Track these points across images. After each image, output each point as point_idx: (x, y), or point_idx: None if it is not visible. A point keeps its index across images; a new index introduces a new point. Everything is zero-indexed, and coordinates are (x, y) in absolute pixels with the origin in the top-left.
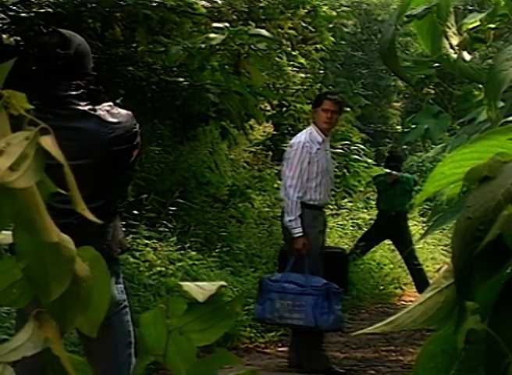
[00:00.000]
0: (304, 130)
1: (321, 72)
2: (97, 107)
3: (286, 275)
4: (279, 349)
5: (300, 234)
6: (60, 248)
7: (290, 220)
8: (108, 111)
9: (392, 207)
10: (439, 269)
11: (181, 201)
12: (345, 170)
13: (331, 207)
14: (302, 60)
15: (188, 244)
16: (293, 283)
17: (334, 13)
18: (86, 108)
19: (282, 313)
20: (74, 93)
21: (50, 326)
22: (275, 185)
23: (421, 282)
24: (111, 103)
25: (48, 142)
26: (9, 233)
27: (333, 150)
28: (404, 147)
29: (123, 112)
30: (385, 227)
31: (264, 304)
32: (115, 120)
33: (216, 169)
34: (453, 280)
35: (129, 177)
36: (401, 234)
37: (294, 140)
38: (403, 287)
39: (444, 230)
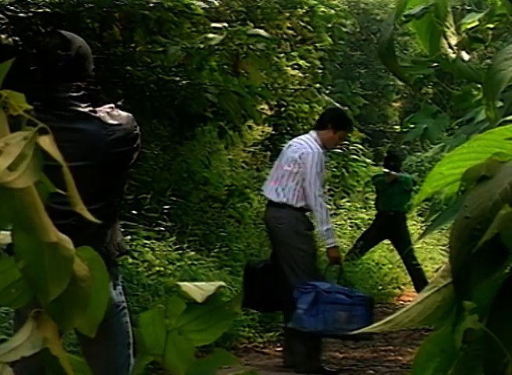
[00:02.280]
0: (310, 139)
1: (320, 72)
2: (97, 109)
3: (333, 286)
4: (278, 349)
5: (336, 244)
6: (59, 247)
7: (327, 229)
8: (108, 113)
9: (390, 207)
10: (437, 269)
11: (179, 200)
12: (343, 170)
13: (329, 207)
14: (301, 62)
15: (187, 244)
16: (343, 293)
17: (332, 12)
18: (86, 109)
19: (341, 324)
20: (75, 94)
21: (49, 327)
22: None
23: (419, 282)
24: (112, 105)
25: (47, 142)
26: (8, 233)
27: (332, 149)
28: (403, 147)
29: (124, 114)
30: (383, 227)
31: (319, 315)
32: (115, 122)
33: (214, 169)
34: (451, 279)
35: (126, 178)
36: (400, 234)
37: (307, 148)
38: (402, 287)
39: (443, 229)
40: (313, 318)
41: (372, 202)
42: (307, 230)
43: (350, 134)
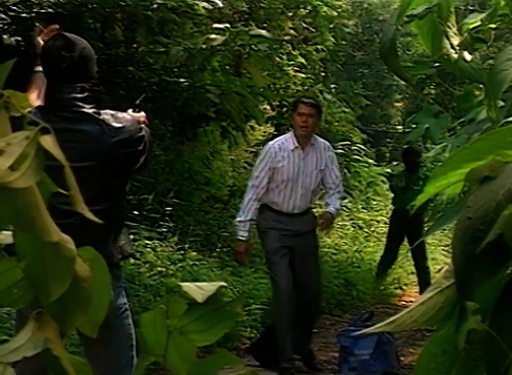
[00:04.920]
0: (286, 134)
1: (322, 72)
2: (101, 111)
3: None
4: None
5: (242, 238)
6: (60, 248)
7: (239, 221)
8: (112, 115)
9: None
10: (440, 270)
11: (181, 201)
12: (345, 170)
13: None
14: (303, 60)
15: (188, 245)
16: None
17: (335, 13)
18: (90, 111)
19: (394, 361)
20: (79, 96)
21: (50, 327)
22: None
23: (424, 283)
24: (114, 111)
25: (49, 142)
26: (10, 233)
27: (334, 150)
28: (405, 147)
29: (128, 116)
30: (402, 225)
31: (381, 357)
32: (119, 124)
33: (216, 170)
34: (454, 280)
35: (127, 179)
36: (418, 233)
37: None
38: (404, 287)
39: (445, 230)
40: (378, 361)
41: (374, 203)
42: (264, 228)
43: (308, 111)
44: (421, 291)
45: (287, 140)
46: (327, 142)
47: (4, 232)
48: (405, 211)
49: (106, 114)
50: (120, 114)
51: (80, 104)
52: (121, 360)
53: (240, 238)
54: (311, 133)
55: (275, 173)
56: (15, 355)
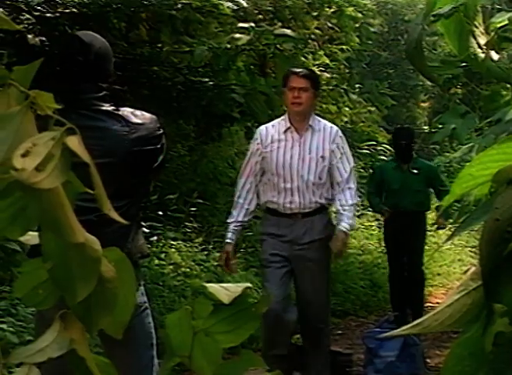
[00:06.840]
0: (281, 117)
1: (347, 72)
2: (121, 108)
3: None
4: None
5: (227, 241)
6: (86, 248)
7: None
8: (131, 112)
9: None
10: (466, 271)
11: (205, 202)
12: (371, 171)
13: (357, 208)
14: (327, 60)
15: (212, 246)
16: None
17: (359, 15)
18: (109, 108)
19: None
20: (97, 95)
21: (76, 328)
22: None
23: (418, 302)
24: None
25: (75, 142)
26: (36, 234)
27: (359, 150)
28: (432, 147)
29: (147, 114)
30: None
31: (407, 359)
32: (138, 121)
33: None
34: (481, 282)
35: (150, 180)
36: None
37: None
38: (430, 288)
39: (471, 231)
40: (404, 363)
41: None
42: (261, 233)
43: (299, 84)
44: (410, 287)
45: (280, 122)
46: (336, 127)
47: (30, 233)
48: (402, 217)
49: (126, 111)
50: (139, 112)
51: (99, 103)
52: (141, 359)
53: (226, 241)
54: (306, 110)
55: (265, 161)
56: (40, 355)
